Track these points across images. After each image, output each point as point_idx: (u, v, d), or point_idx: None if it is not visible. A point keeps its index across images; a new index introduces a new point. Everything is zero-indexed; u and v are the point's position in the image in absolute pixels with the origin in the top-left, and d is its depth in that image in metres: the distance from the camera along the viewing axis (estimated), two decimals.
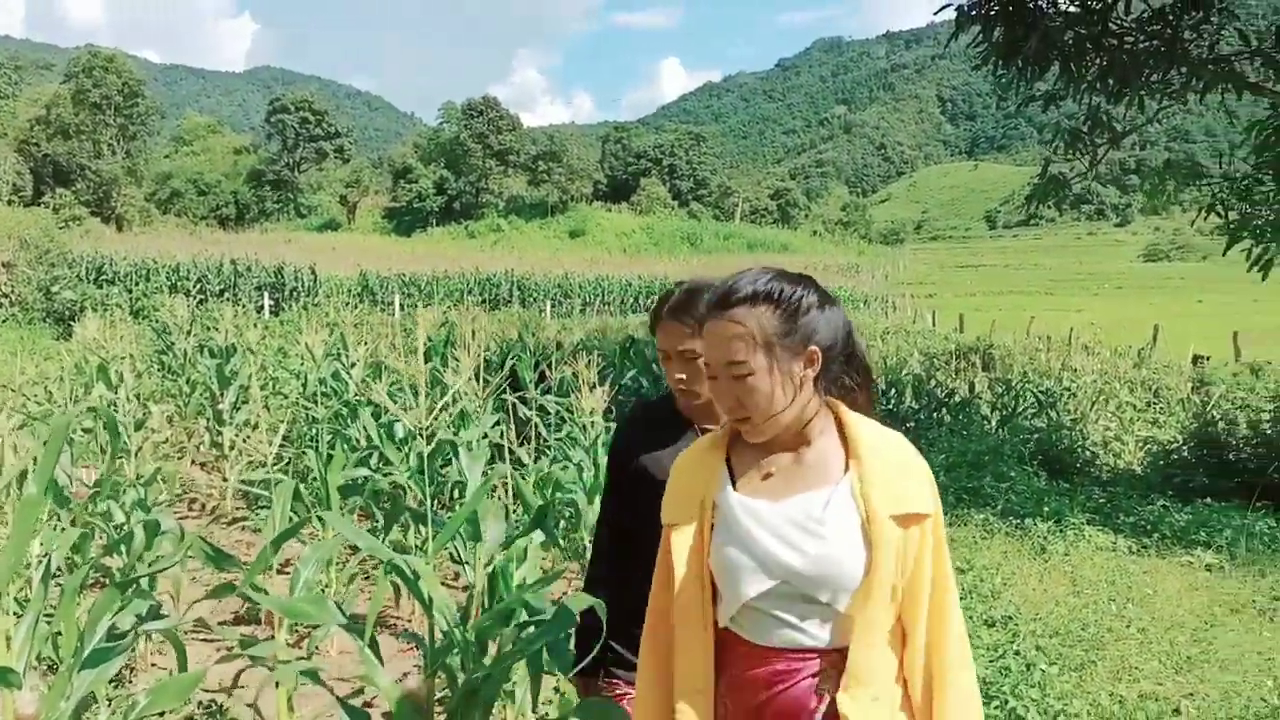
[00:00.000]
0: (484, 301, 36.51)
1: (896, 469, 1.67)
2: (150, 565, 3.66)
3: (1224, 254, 8.14)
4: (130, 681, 4.38)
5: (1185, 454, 8.24)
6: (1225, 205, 8.09)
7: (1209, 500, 7.33)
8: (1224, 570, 5.90)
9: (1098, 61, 7.82)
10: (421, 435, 2.90)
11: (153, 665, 4.61)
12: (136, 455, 5.88)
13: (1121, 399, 11.34)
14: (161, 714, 3.47)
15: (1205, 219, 8.29)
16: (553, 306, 37.34)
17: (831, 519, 1.63)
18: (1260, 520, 6.71)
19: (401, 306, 30.03)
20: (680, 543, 1.76)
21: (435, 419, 3.35)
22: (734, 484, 1.74)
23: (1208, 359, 14.28)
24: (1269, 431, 8.16)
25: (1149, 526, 6.71)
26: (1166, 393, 12.17)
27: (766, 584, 1.65)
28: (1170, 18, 7.68)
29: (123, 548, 3.94)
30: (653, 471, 2.18)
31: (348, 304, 26.23)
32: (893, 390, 11.57)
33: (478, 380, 4.50)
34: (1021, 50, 7.70)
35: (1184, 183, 8.77)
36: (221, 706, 3.95)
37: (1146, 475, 8.54)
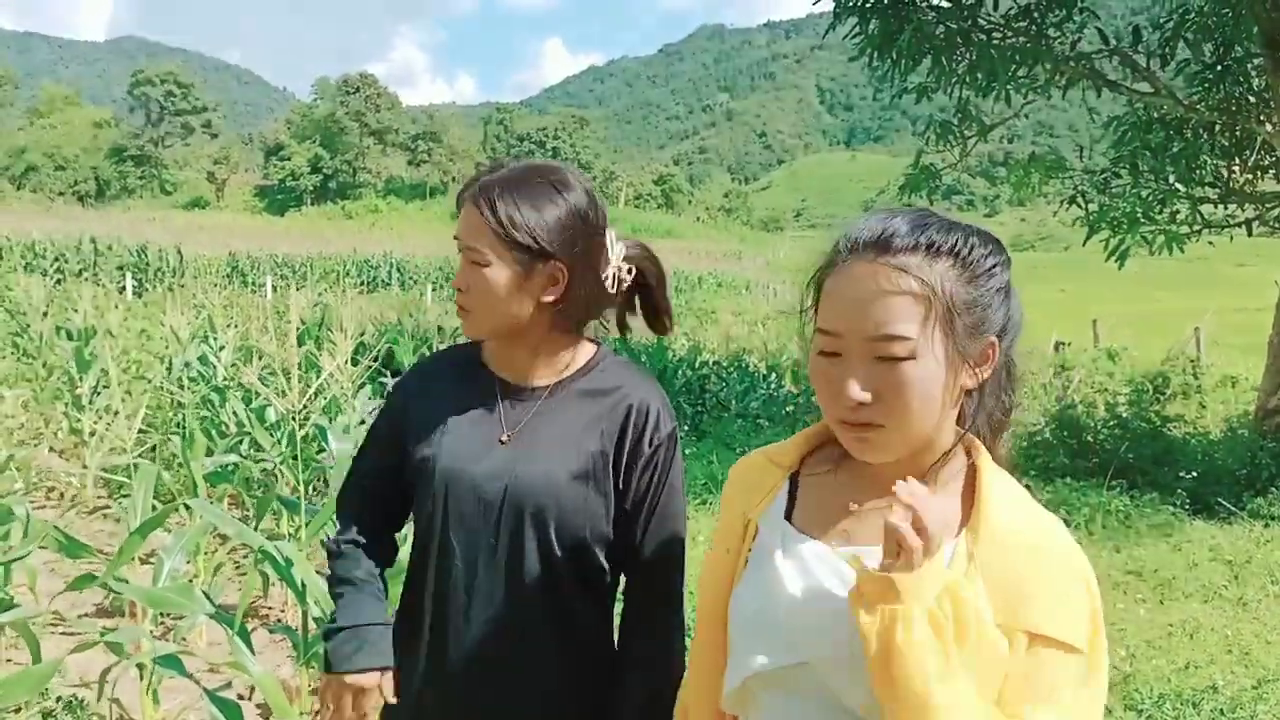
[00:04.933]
0: (362, 284, 35.72)
1: (1035, 567, 1.08)
2: (3, 555, 3.47)
3: (1084, 244, 8.50)
4: None
5: (1047, 435, 8.59)
6: (1085, 197, 8.44)
7: (1068, 480, 7.67)
8: (1081, 546, 6.17)
9: (967, 55, 8.06)
10: (294, 419, 2.82)
11: (9, 661, 4.39)
12: None
13: None
14: (17, 709, 3.30)
15: (1067, 210, 8.64)
16: (434, 290, 36.84)
17: None
18: (1115, 499, 7.05)
19: (274, 288, 29.19)
20: (710, 574, 1.28)
21: (309, 403, 3.26)
22: (791, 507, 1.24)
23: (1069, 345, 14.92)
24: (1124, 414, 8.57)
25: None
26: (1030, 377, 12.66)
27: (782, 659, 1.13)
28: (1036, 15, 7.97)
29: None
30: (421, 431, 1.63)
31: (216, 285, 25.36)
32: (772, 375, 11.77)
33: (354, 364, 4.40)
34: (896, 43, 7.88)
35: (1048, 175, 9.11)
36: (82, 701, 3.78)
37: (1010, 456, 8.87)
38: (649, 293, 1.65)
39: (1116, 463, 7.73)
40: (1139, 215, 7.95)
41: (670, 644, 1.57)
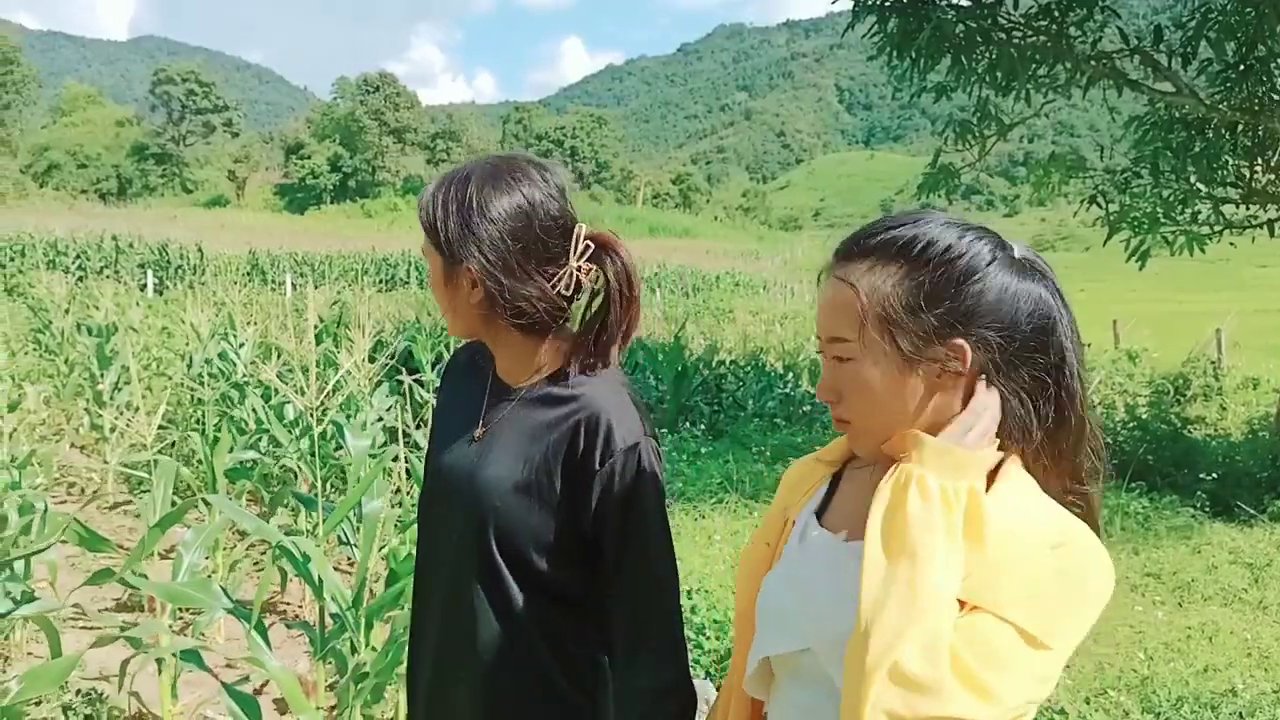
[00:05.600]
0: (381, 282, 35.84)
1: (1018, 558, 1.03)
2: (24, 549, 3.51)
3: (1104, 244, 8.45)
4: (4, 670, 4.20)
5: None
6: (1106, 197, 8.39)
7: None
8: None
9: (987, 54, 8.02)
10: (312, 416, 2.84)
11: (29, 654, 4.43)
12: (10, 437, 5.62)
13: None
14: (38, 702, 3.34)
15: (1087, 210, 8.59)
16: None
17: None
18: (1134, 500, 7.02)
19: (294, 286, 29.28)
20: (745, 567, 1.34)
21: (327, 400, 3.28)
22: (828, 503, 1.28)
23: (1089, 345, 14.83)
24: (1144, 415, 8.52)
25: None
26: None
27: (788, 645, 1.18)
28: (1056, 14, 7.92)
29: None
30: (438, 429, 1.67)
31: (236, 283, 25.52)
32: (790, 374, 11.76)
33: (372, 362, 4.42)
34: (915, 42, 7.85)
35: (1068, 175, 9.06)
36: (102, 694, 3.82)
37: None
38: (606, 305, 1.50)
39: (1136, 464, 7.68)
40: (1160, 215, 7.90)
41: (659, 664, 1.49)
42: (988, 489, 1.10)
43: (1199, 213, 8.28)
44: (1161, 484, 7.55)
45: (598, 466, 1.44)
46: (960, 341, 1.10)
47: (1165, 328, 15.12)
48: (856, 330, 1.12)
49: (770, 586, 1.25)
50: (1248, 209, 8.52)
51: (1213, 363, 10.39)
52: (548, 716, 1.51)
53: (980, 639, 0.98)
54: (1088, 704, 3.81)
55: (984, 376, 1.11)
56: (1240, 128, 8.22)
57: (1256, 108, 7.98)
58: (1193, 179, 8.06)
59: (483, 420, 1.55)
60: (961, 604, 1.01)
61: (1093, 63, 7.95)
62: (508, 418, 1.52)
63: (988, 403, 1.10)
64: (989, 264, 1.11)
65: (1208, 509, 7.02)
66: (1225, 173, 8.35)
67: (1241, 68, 7.88)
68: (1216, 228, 8.24)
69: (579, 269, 1.49)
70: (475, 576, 1.48)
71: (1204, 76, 8.26)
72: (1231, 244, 8.58)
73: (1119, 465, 7.85)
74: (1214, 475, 7.39)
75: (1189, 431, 8.43)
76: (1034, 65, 7.96)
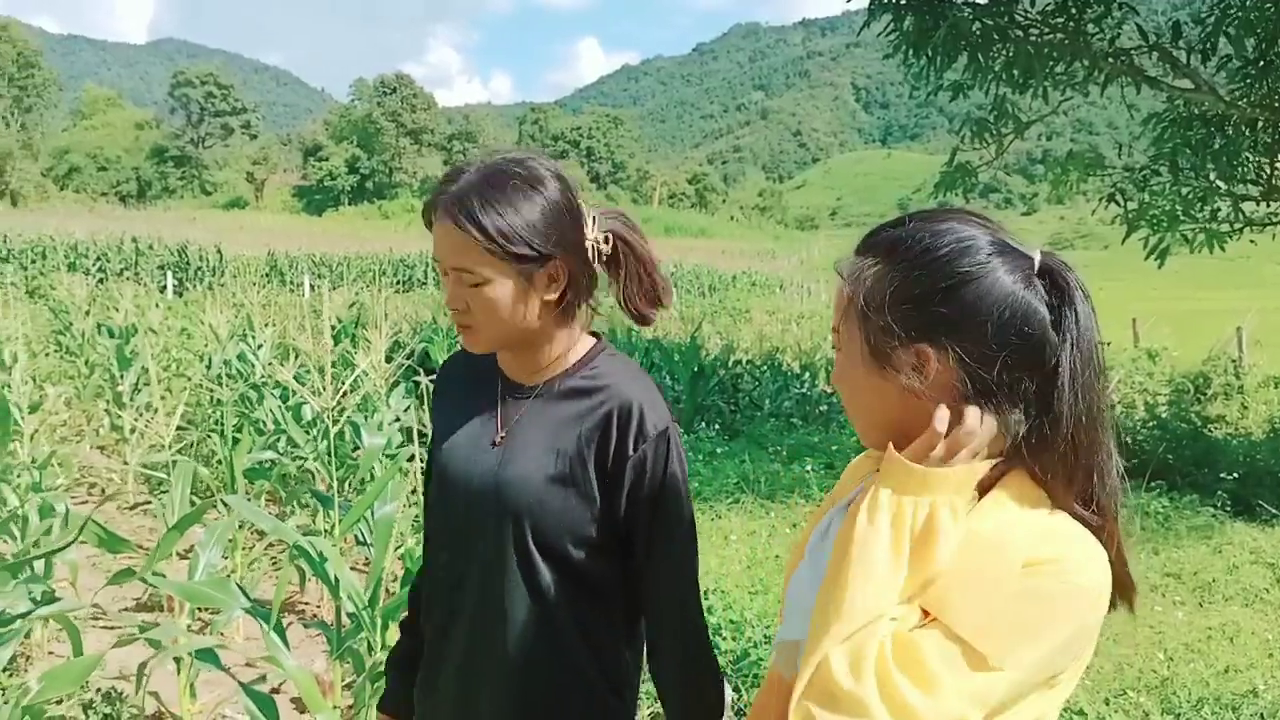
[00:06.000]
0: (398, 283, 35.97)
1: (972, 564, 1.00)
2: (44, 549, 3.54)
3: (1123, 242, 8.40)
4: (26, 670, 4.23)
5: None
6: (1124, 195, 8.34)
7: None
8: None
9: (1004, 52, 7.98)
10: (329, 416, 2.85)
11: (50, 654, 4.46)
12: (32, 438, 5.66)
13: None
14: (59, 701, 3.36)
15: (1106, 208, 8.54)
16: None
17: None
18: (1154, 500, 6.97)
19: (312, 287, 29.38)
20: (792, 556, 1.35)
21: (344, 400, 3.30)
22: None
23: (1108, 344, 14.70)
24: (1164, 414, 8.46)
25: None
26: None
27: (791, 634, 1.21)
28: (1073, 11, 7.88)
29: (15, 531, 3.80)
30: (437, 435, 1.65)
31: (255, 284, 25.61)
32: (806, 374, 11.73)
33: (389, 362, 4.43)
34: (931, 40, 7.82)
35: (1086, 173, 9.00)
36: (121, 694, 3.84)
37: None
38: (629, 263, 1.52)
39: (1156, 464, 7.63)
40: (1179, 213, 7.84)
41: (686, 651, 1.52)
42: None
43: (1218, 210, 8.22)
44: (1182, 483, 7.49)
45: (631, 452, 1.45)
46: (925, 347, 1.05)
47: (1185, 326, 15.02)
48: (842, 320, 1.14)
49: (795, 576, 1.27)
50: (1268, 206, 8.44)
51: (1233, 361, 10.30)
52: (576, 706, 1.51)
53: (915, 655, 0.95)
54: (1107, 705, 3.78)
55: (961, 390, 1.05)
56: (1260, 124, 8.15)
57: (1277, 104, 7.91)
58: (1212, 176, 8.00)
59: (500, 423, 1.53)
60: (925, 613, 0.99)
61: (1111, 60, 7.90)
62: (529, 415, 1.52)
63: (962, 419, 1.04)
64: (968, 270, 1.04)
65: (1228, 508, 6.96)
66: (1245, 169, 8.28)
67: (1261, 64, 7.81)
68: (1236, 225, 8.18)
69: (599, 240, 1.49)
70: (509, 575, 1.48)
71: (1223, 73, 8.19)
72: (1252, 241, 8.51)
73: (1139, 465, 7.80)
74: (1235, 474, 7.33)
75: (1209, 430, 8.37)
76: (1051, 62, 7.92)
